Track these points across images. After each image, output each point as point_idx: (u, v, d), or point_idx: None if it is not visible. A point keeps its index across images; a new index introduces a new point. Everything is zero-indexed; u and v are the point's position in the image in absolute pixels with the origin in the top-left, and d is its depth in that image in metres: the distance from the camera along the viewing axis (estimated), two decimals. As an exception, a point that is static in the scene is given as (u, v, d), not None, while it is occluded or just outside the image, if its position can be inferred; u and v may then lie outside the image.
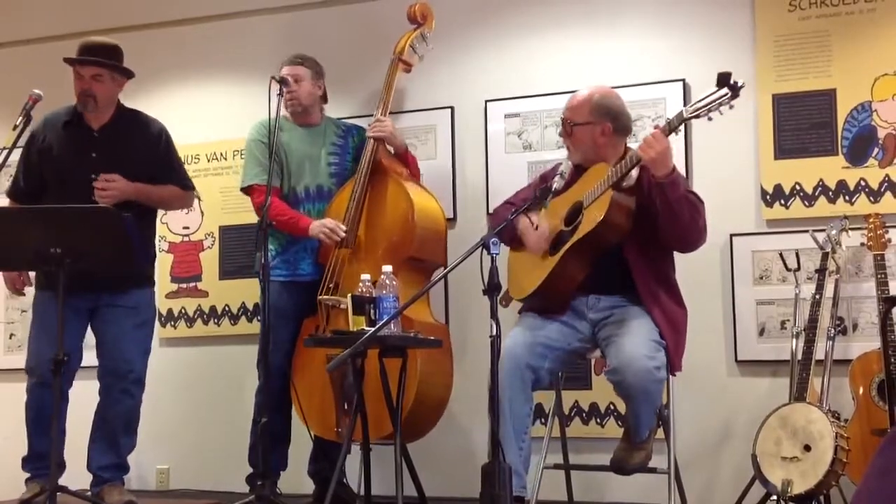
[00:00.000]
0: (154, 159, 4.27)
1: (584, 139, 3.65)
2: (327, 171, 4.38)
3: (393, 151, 4.36)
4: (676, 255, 3.69)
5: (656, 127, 3.48)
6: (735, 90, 3.28)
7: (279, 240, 4.29)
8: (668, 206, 3.40)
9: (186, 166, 5.16)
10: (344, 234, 4.16)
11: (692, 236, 3.52)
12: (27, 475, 4.18)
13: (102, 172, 4.09)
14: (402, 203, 4.20)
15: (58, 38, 5.20)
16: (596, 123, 3.64)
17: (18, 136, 3.96)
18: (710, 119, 3.35)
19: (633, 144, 3.76)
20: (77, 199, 4.01)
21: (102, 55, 4.17)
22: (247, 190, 4.38)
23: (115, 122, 4.23)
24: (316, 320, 4.24)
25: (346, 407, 3.87)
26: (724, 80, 3.29)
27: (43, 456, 4.04)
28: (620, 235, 3.51)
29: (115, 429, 4.20)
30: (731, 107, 3.32)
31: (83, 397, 4.19)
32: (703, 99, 3.34)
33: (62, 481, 3.83)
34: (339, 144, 4.44)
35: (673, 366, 3.53)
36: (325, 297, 4.14)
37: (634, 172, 3.49)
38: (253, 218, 4.56)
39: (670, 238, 3.52)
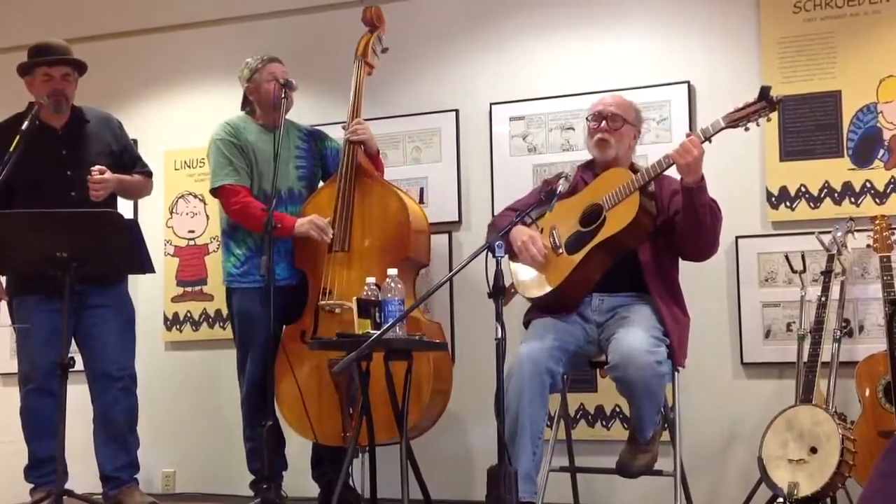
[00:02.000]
0: (120, 149, 4.34)
1: (626, 137, 3.75)
2: (296, 175, 4.32)
3: (364, 153, 4.29)
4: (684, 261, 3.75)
5: (687, 134, 3.51)
6: (773, 104, 3.39)
7: (247, 244, 4.20)
8: (693, 210, 3.48)
9: (191, 170, 5.21)
10: (332, 234, 4.12)
11: (708, 243, 3.60)
12: (31, 486, 4.19)
13: (76, 169, 4.11)
14: (395, 205, 4.19)
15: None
16: (635, 126, 3.78)
17: (25, 141, 3.95)
18: (746, 129, 3.45)
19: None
20: (55, 197, 4.04)
21: (69, 54, 4.22)
22: (216, 191, 4.25)
23: (74, 119, 4.26)
24: (301, 325, 4.19)
25: (352, 411, 3.87)
26: (764, 93, 3.40)
27: (45, 461, 4.06)
28: (644, 237, 3.59)
29: (122, 428, 4.22)
30: (769, 119, 3.46)
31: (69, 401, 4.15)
32: (740, 109, 3.43)
33: (67, 486, 3.84)
34: (303, 148, 4.38)
35: (676, 359, 3.55)
36: (326, 301, 4.12)
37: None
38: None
39: (687, 243, 3.60)
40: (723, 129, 3.45)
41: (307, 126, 4.50)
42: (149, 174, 4.45)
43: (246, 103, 4.38)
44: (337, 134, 4.44)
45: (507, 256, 3.37)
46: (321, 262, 4.18)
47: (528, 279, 3.72)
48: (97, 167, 4.10)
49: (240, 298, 4.24)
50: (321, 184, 4.41)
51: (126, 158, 4.36)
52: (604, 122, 3.72)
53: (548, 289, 3.65)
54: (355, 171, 4.22)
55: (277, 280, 4.14)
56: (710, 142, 3.48)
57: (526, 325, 3.76)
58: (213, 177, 4.27)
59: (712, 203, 3.54)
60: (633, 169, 3.74)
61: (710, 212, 3.51)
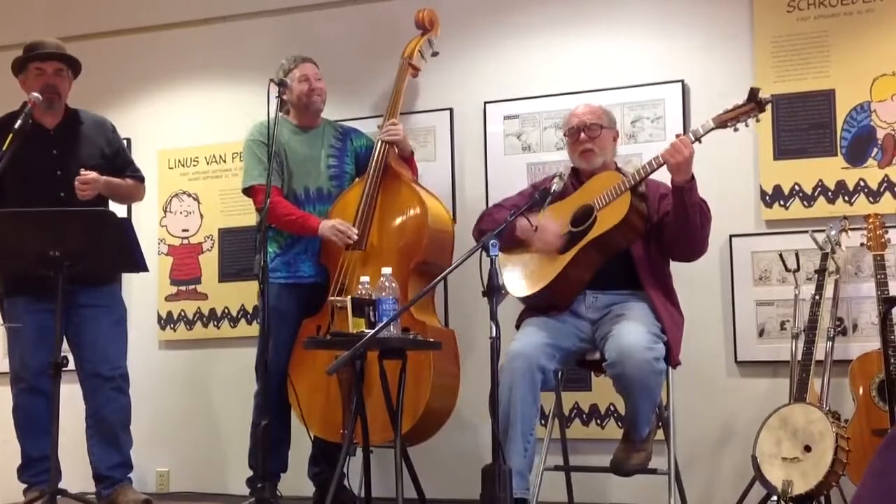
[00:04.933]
0: (113, 152, 4.32)
1: (607, 142, 3.79)
2: (327, 174, 4.37)
3: (398, 154, 4.34)
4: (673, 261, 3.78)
5: (678, 135, 3.54)
6: (761, 105, 3.44)
7: (278, 241, 4.27)
8: (683, 210, 3.51)
9: (185, 169, 5.20)
10: (356, 237, 4.15)
11: (698, 243, 3.64)
12: (24, 485, 4.19)
13: (66, 169, 4.10)
14: (415, 207, 4.20)
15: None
16: (612, 129, 3.82)
17: (18, 139, 3.93)
18: (735, 130, 3.50)
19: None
20: (43, 196, 4.03)
21: (62, 51, 4.22)
22: (248, 191, 4.35)
23: (67, 120, 4.25)
24: (317, 320, 4.22)
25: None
26: (753, 94, 3.45)
27: (38, 461, 4.06)
28: (635, 237, 3.61)
29: (115, 427, 4.21)
30: (758, 120, 3.51)
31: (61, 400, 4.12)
32: (730, 111, 3.48)
33: (60, 485, 3.83)
34: (337, 147, 4.42)
35: (673, 358, 3.55)
36: (336, 298, 4.13)
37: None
38: (253, 220, 4.58)
39: (677, 244, 3.64)
40: (712, 129, 3.50)
41: (343, 124, 4.53)
42: (141, 179, 4.43)
43: (282, 104, 4.39)
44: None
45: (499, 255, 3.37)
46: (339, 259, 4.22)
47: (518, 278, 3.73)
48: (84, 170, 4.08)
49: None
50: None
51: (118, 162, 4.34)
52: (582, 133, 3.74)
53: (538, 287, 3.66)
54: (383, 171, 4.25)
55: (303, 277, 4.26)
56: (700, 142, 3.53)
57: (518, 327, 3.76)
58: (244, 177, 4.36)
59: (702, 203, 3.58)
60: (619, 171, 3.76)
61: (699, 211, 3.55)
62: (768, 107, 3.49)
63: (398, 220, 4.21)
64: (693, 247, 3.64)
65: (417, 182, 4.35)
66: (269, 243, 4.26)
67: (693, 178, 3.51)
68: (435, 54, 4.51)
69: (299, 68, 4.32)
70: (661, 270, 3.70)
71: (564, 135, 3.85)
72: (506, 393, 3.40)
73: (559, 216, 3.67)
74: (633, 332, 3.43)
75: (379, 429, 3.77)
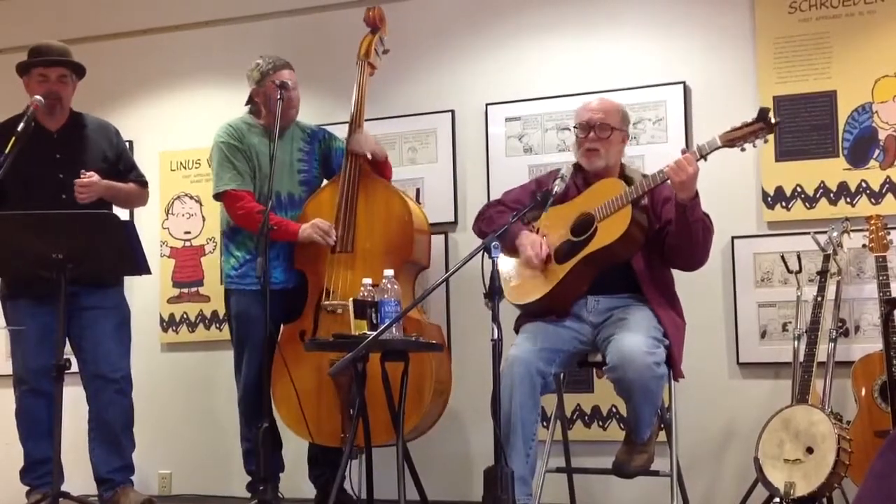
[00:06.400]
0: (116, 156, 4.31)
1: (615, 144, 3.72)
2: (297, 179, 4.30)
3: (371, 158, 4.26)
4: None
5: (683, 151, 3.50)
6: (770, 126, 3.40)
7: (247, 247, 4.18)
8: (686, 226, 3.48)
9: (187, 171, 5.20)
10: (335, 239, 4.13)
11: (699, 256, 3.63)
12: (27, 488, 4.19)
13: (68, 172, 4.09)
14: (399, 208, 4.19)
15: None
16: (622, 131, 3.75)
17: (21, 142, 3.93)
18: (742, 150, 3.46)
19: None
20: (45, 199, 4.03)
21: (67, 56, 4.21)
22: (220, 196, 4.22)
23: (71, 123, 4.25)
24: (298, 325, 4.18)
25: (351, 412, 3.87)
26: (762, 114, 3.41)
27: (40, 463, 4.06)
28: (635, 250, 3.59)
29: (116, 430, 4.21)
30: (766, 141, 3.47)
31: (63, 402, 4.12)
32: (738, 129, 3.43)
33: (63, 488, 3.84)
34: (306, 150, 4.35)
35: (676, 368, 3.55)
36: (329, 302, 4.12)
37: None
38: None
39: (678, 256, 3.62)
40: (719, 148, 3.45)
41: (312, 126, 4.47)
42: (144, 184, 4.41)
43: (251, 101, 4.35)
44: (341, 134, 4.42)
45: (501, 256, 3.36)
46: (322, 262, 4.18)
47: (516, 286, 3.71)
48: (85, 173, 4.08)
49: (237, 300, 4.24)
50: (324, 183, 4.40)
51: (121, 166, 4.33)
52: (591, 132, 3.68)
53: (536, 297, 3.64)
54: (359, 171, 4.21)
55: (274, 283, 4.13)
56: (706, 160, 3.48)
57: (517, 330, 3.75)
58: (216, 181, 4.24)
59: (705, 218, 3.55)
60: (624, 174, 3.74)
61: (702, 227, 3.52)
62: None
63: (383, 222, 4.18)
64: (694, 259, 3.63)
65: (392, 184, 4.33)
66: (238, 248, 4.22)
67: (697, 194, 3.46)
68: (385, 52, 4.47)
69: (278, 74, 4.19)
70: (662, 277, 3.68)
71: (575, 127, 3.77)
72: (506, 399, 3.39)
73: (560, 222, 3.65)
74: (634, 336, 3.42)
75: (381, 430, 3.77)
